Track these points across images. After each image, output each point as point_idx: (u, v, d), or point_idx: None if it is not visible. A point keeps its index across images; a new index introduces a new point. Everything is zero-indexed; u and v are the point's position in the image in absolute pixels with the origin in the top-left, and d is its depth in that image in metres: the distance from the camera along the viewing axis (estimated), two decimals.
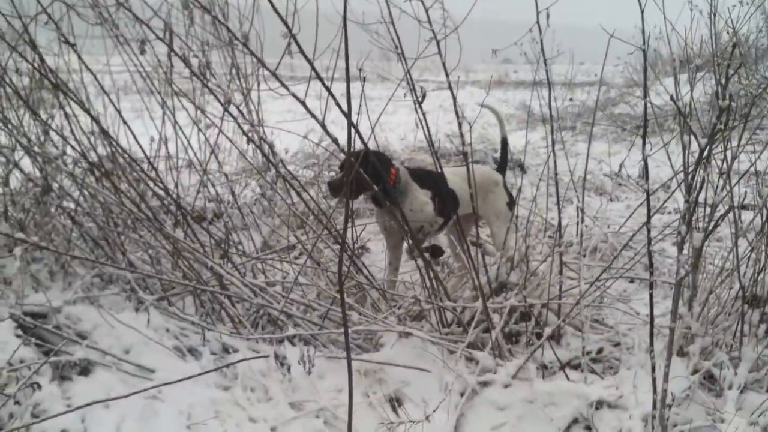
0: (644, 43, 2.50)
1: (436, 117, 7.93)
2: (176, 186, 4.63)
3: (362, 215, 5.46)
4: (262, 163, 5.34)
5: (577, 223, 4.38)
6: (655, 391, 2.55)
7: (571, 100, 11.49)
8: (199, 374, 2.88)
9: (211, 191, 4.64)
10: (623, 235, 5.00)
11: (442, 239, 4.65)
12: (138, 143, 4.08)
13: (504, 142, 4.53)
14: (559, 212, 3.53)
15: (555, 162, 3.44)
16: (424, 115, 3.07)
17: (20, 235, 2.95)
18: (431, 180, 4.01)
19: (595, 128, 10.15)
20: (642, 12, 2.50)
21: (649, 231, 2.50)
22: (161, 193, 3.79)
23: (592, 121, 4.23)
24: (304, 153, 7.56)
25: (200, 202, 5.09)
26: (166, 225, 3.54)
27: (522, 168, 7.76)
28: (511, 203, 4.29)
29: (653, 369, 2.53)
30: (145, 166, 3.90)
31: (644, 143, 2.42)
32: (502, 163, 4.52)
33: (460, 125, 3.25)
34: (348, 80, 2.05)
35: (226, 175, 5.07)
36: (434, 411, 2.75)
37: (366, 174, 3.24)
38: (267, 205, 5.29)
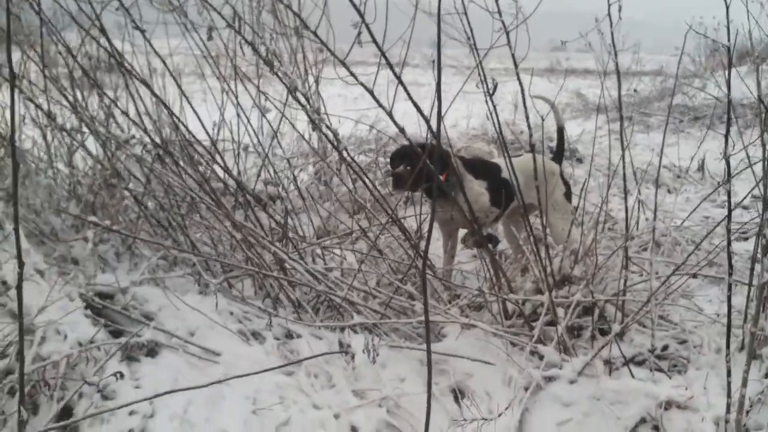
0: (728, 40, 2.42)
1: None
2: (238, 169, 4.66)
3: (418, 202, 5.42)
4: (319, 148, 5.35)
5: (638, 217, 4.30)
6: (729, 395, 2.50)
7: (635, 90, 11.27)
8: (272, 369, 2.84)
9: (271, 174, 4.67)
10: (686, 229, 4.89)
11: (499, 229, 4.62)
12: (202, 124, 4.11)
13: (560, 132, 4.42)
14: (627, 205, 3.45)
15: (624, 155, 3.35)
16: (494, 106, 3.04)
17: (93, 218, 2.99)
18: (486, 170, 3.97)
19: (653, 119, 10.05)
20: (727, 7, 2.42)
21: (729, 231, 2.43)
22: (224, 175, 3.83)
23: (652, 112, 4.13)
24: (357, 138, 7.55)
25: (258, 185, 5.12)
26: (228, 208, 3.57)
27: (577, 158, 7.67)
28: (569, 194, 4.22)
29: (728, 372, 2.47)
30: (209, 147, 3.94)
31: (726, 141, 2.35)
32: (559, 153, 4.42)
33: (527, 117, 3.23)
34: (439, 71, 2.04)
35: (288, 160, 5.08)
36: (506, 408, 2.72)
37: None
38: (324, 189, 5.30)
